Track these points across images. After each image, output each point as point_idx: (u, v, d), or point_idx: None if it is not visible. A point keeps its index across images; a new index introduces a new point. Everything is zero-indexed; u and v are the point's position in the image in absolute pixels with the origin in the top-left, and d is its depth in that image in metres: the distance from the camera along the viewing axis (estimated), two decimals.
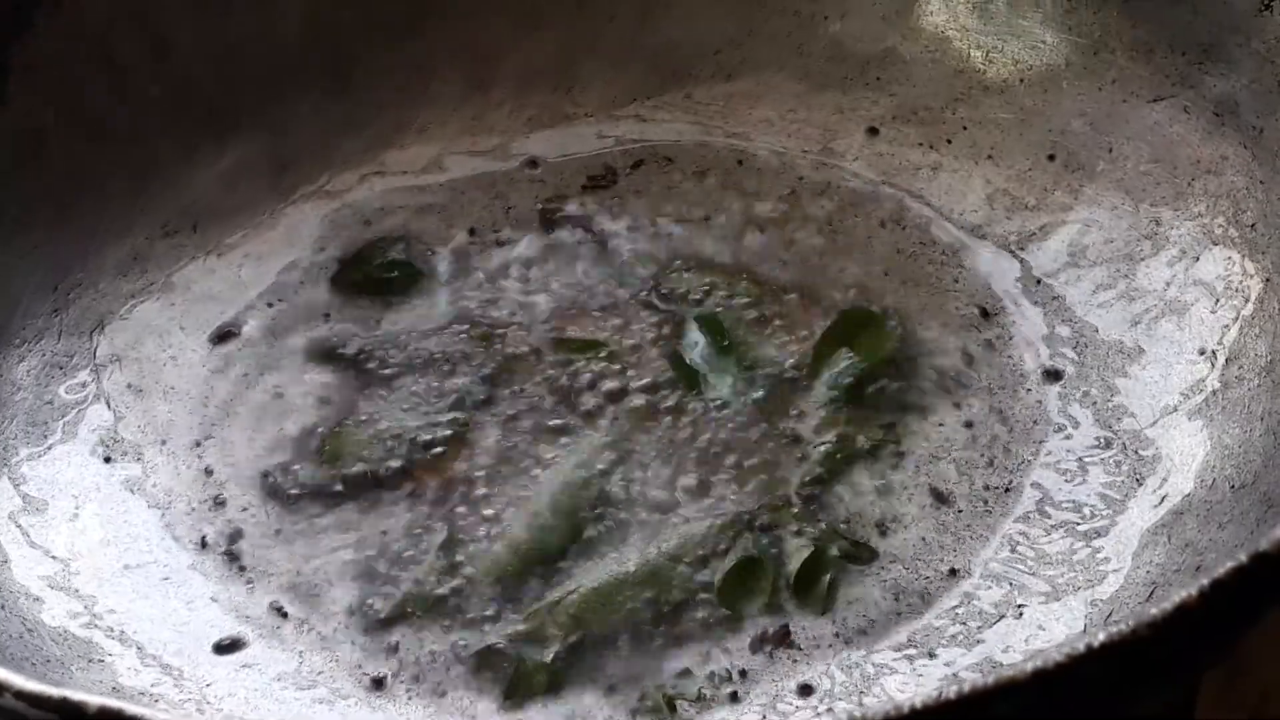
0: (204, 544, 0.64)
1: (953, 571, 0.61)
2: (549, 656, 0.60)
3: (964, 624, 0.60)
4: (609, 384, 0.67)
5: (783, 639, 0.60)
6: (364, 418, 0.66)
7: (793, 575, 0.61)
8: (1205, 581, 0.44)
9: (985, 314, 0.68)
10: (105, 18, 0.72)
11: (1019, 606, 0.60)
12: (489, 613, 0.61)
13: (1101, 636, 0.43)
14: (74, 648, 0.60)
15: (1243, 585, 0.45)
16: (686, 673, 0.59)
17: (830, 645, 0.60)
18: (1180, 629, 0.45)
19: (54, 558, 0.63)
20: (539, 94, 0.76)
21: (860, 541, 0.62)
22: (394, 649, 0.60)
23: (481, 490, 0.64)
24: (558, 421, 0.66)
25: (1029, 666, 0.42)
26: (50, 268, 0.70)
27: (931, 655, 0.59)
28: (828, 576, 0.61)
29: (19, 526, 0.64)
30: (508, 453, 0.65)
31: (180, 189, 0.73)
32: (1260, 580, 0.45)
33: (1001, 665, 0.58)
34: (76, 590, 0.62)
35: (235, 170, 0.73)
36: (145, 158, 0.72)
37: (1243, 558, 0.44)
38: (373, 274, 0.71)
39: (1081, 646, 0.43)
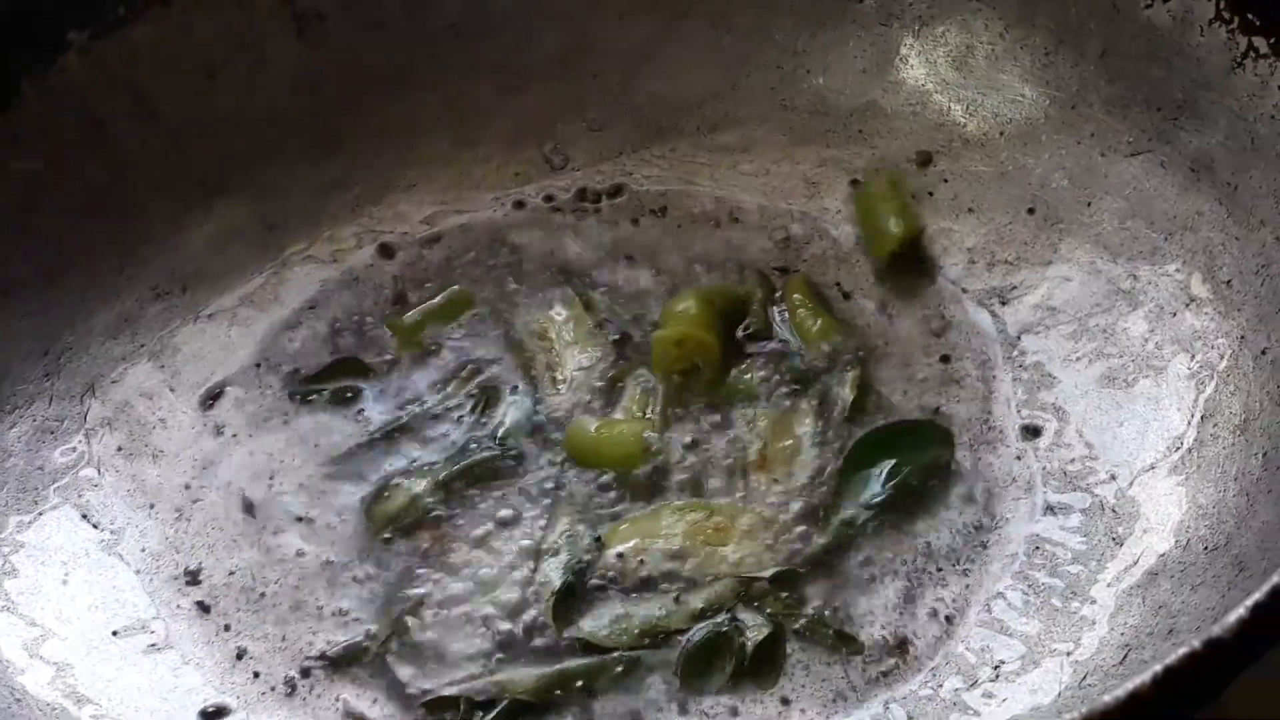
0: (190, 609, 0.64)
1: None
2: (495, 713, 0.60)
3: (939, 686, 0.60)
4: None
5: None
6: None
7: (749, 656, 0.61)
8: (1159, 668, 0.44)
9: (965, 368, 0.69)
10: (92, 85, 0.72)
11: (995, 668, 0.60)
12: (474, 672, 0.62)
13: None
14: (62, 719, 0.61)
15: (1196, 669, 0.45)
16: None
17: (815, 712, 0.60)
18: (1137, 712, 0.45)
19: (42, 625, 0.64)
20: (525, 151, 0.77)
21: (845, 633, 0.62)
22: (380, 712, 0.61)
23: (461, 553, 0.65)
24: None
25: None
26: (40, 332, 0.71)
27: None
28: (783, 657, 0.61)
29: (6, 594, 0.64)
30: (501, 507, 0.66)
31: (169, 252, 0.73)
32: (1213, 663, 0.45)
33: None
34: (65, 659, 0.63)
35: (224, 232, 0.74)
36: (134, 221, 0.73)
37: (1195, 643, 0.44)
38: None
39: None
